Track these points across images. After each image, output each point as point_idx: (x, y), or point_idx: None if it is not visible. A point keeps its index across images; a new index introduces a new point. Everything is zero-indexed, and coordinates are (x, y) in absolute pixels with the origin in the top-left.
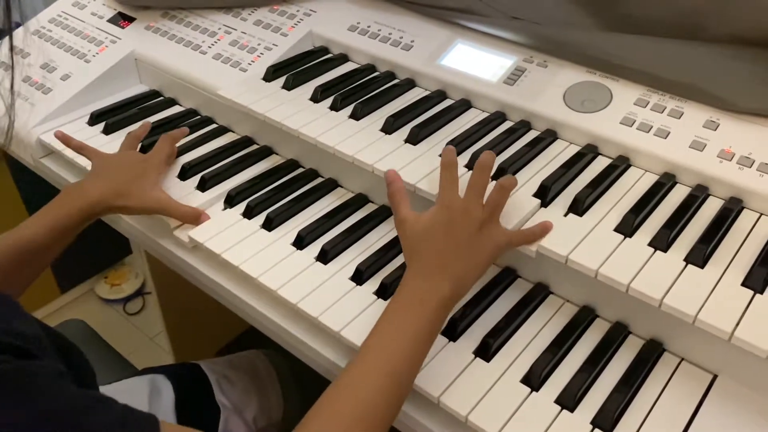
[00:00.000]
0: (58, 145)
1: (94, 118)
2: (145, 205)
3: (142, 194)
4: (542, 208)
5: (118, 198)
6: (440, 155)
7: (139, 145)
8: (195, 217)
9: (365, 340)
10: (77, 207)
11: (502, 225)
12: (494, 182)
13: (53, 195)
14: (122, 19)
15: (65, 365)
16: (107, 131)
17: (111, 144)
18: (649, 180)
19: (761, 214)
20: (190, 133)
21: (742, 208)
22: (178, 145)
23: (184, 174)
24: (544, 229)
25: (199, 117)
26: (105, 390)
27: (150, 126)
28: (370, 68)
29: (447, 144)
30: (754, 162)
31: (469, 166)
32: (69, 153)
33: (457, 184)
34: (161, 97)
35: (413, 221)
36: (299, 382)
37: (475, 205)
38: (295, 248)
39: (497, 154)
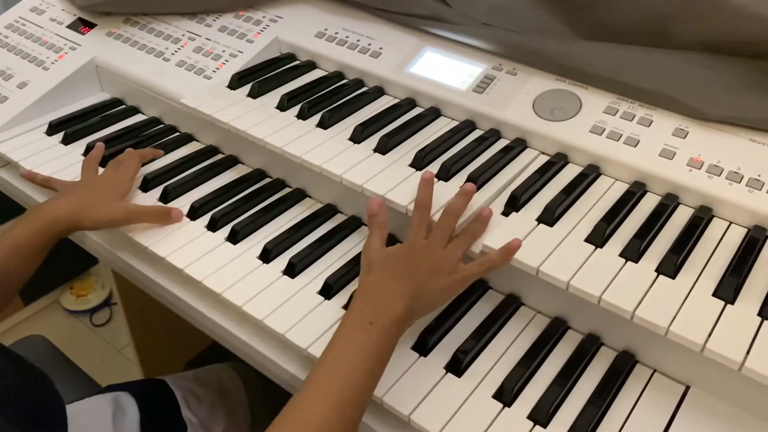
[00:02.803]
0: (15, 156)
1: (53, 128)
2: (112, 217)
3: (108, 207)
4: (512, 219)
5: (81, 213)
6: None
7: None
8: (167, 215)
9: (314, 366)
10: (37, 227)
11: (461, 264)
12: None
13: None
14: (82, 25)
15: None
16: (66, 141)
17: (70, 155)
18: (619, 189)
19: (731, 223)
20: (153, 142)
21: (712, 216)
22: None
23: (146, 185)
24: (506, 252)
25: (162, 126)
26: (68, 409)
27: (104, 147)
28: (338, 76)
29: (417, 152)
30: (723, 170)
31: (439, 176)
32: (26, 164)
33: (427, 225)
34: (123, 106)
35: (378, 248)
36: (267, 395)
37: (437, 247)
38: (261, 262)
39: (467, 163)
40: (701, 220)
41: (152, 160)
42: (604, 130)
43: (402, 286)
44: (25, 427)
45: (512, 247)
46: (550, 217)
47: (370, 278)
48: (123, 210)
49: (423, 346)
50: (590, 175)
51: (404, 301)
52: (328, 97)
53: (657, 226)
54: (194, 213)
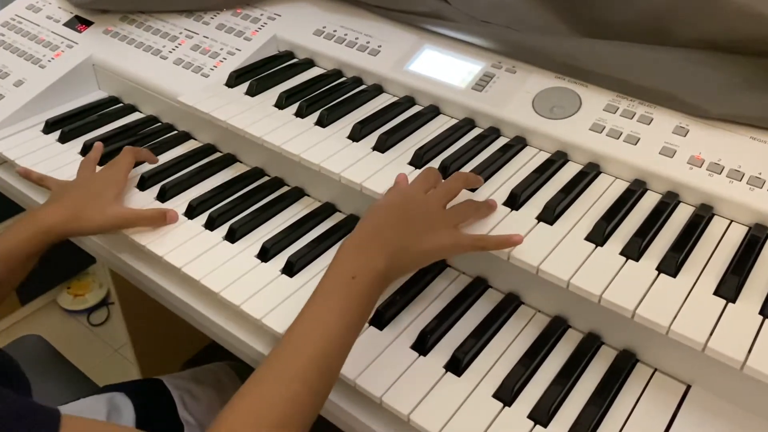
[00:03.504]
0: (11, 154)
1: (50, 126)
2: (105, 223)
3: (101, 213)
4: (512, 217)
5: (74, 221)
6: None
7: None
8: (162, 218)
9: (296, 318)
10: (29, 235)
11: (458, 229)
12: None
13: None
14: (79, 23)
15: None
16: (63, 140)
17: (67, 153)
18: (619, 187)
19: (731, 221)
20: (150, 141)
21: (713, 214)
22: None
23: (143, 183)
24: (504, 240)
25: (159, 124)
26: (62, 409)
27: (102, 147)
28: (337, 74)
29: (416, 150)
30: (723, 168)
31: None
32: (22, 163)
33: (429, 186)
34: (120, 104)
35: (378, 201)
36: None
37: (436, 202)
38: (259, 260)
39: (466, 162)
40: (702, 218)
41: (146, 162)
42: (604, 128)
43: (388, 241)
44: None
45: (512, 240)
46: (550, 215)
47: (357, 231)
48: (117, 216)
49: (422, 346)
50: (590, 173)
51: (388, 258)
52: (326, 95)
53: (657, 225)
54: (192, 211)
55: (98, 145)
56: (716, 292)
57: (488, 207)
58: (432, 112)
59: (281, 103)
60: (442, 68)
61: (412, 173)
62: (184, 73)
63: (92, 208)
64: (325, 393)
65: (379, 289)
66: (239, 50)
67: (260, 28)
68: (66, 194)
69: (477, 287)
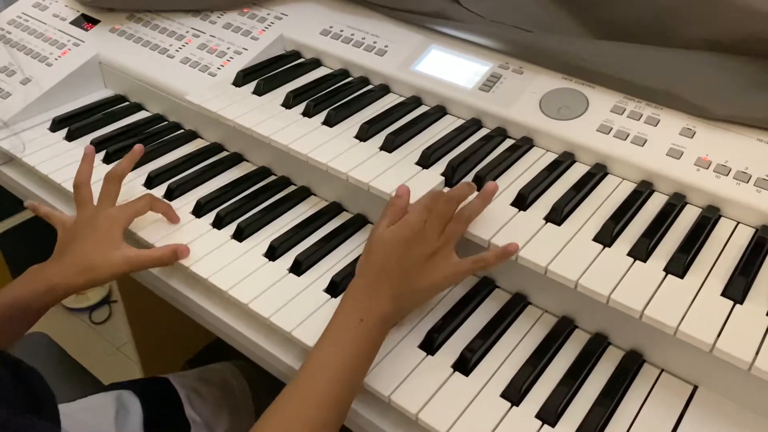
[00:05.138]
0: (18, 152)
1: (57, 124)
2: (114, 271)
3: (108, 261)
4: (520, 218)
5: (82, 275)
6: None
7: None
8: (173, 255)
9: (306, 358)
10: (36, 291)
11: (455, 255)
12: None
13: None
14: (86, 21)
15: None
16: (70, 138)
17: (74, 151)
18: (626, 188)
19: (738, 223)
20: (157, 139)
21: (720, 216)
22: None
23: (150, 183)
24: (502, 253)
25: (166, 123)
26: (70, 407)
27: (90, 190)
28: (344, 73)
29: (423, 150)
30: (730, 170)
31: (445, 174)
32: (29, 160)
33: (439, 224)
34: (127, 102)
35: (381, 230)
36: (272, 394)
37: (432, 233)
38: (267, 259)
39: (473, 162)
40: (709, 219)
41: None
42: (611, 129)
43: (394, 284)
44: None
45: (509, 251)
46: (557, 216)
47: (364, 273)
48: (124, 263)
49: (430, 345)
50: (597, 174)
51: (393, 300)
52: (333, 95)
53: (665, 226)
54: (199, 210)
55: (87, 186)
56: (724, 294)
57: (483, 199)
58: (439, 112)
59: (288, 103)
60: (449, 69)
61: (419, 173)
62: (191, 72)
63: (100, 256)
64: (339, 422)
65: (384, 331)
66: (246, 49)
67: (267, 28)
68: (72, 248)
69: (484, 287)
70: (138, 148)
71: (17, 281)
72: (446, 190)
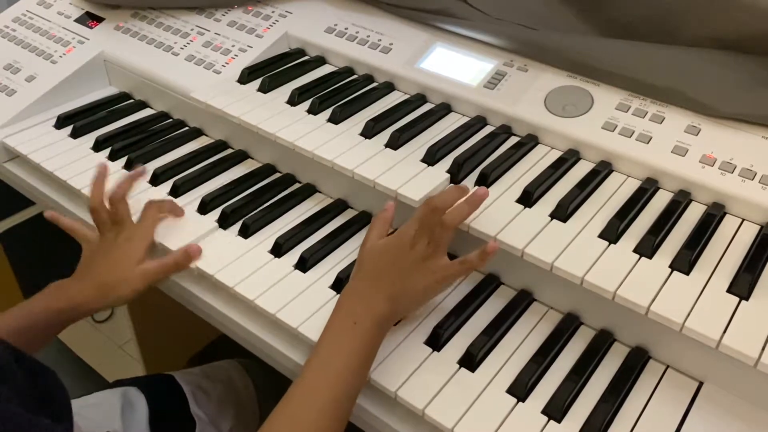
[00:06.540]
0: (23, 149)
1: (62, 121)
2: (134, 287)
3: (127, 279)
4: (525, 215)
5: (103, 296)
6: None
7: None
8: (187, 258)
9: (303, 367)
10: (59, 310)
11: (445, 258)
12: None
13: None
14: (90, 19)
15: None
16: (75, 135)
17: (79, 148)
18: (631, 185)
19: (743, 220)
20: (162, 137)
21: (725, 213)
22: (148, 149)
23: (156, 180)
24: (482, 254)
25: (171, 120)
26: (76, 404)
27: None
28: (348, 71)
29: (429, 148)
30: (735, 167)
31: (450, 171)
32: (34, 157)
33: (426, 234)
34: (131, 100)
35: (371, 243)
36: (276, 392)
37: (421, 241)
38: (272, 256)
39: (478, 159)
40: (714, 216)
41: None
42: (617, 126)
43: (386, 286)
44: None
45: (488, 251)
46: (563, 213)
47: (356, 278)
48: (142, 278)
49: (436, 341)
50: (602, 171)
51: (387, 302)
52: (338, 93)
53: (670, 223)
54: (204, 207)
55: (99, 203)
56: (729, 290)
57: (469, 204)
58: (443, 109)
59: (294, 100)
60: (454, 66)
61: (425, 170)
62: (196, 69)
63: (120, 282)
64: (342, 424)
65: (382, 333)
66: (251, 47)
67: (272, 26)
68: (94, 267)
69: (489, 284)
70: (139, 171)
71: (38, 297)
72: (451, 186)
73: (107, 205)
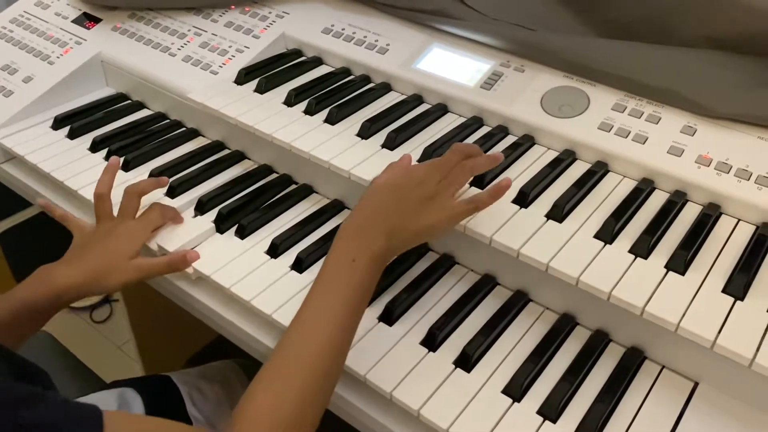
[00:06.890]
0: (20, 150)
1: (59, 122)
2: (125, 278)
3: (119, 269)
4: (521, 215)
5: (92, 281)
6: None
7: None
8: (183, 261)
9: (302, 304)
10: (44, 294)
11: (453, 199)
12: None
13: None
14: (87, 20)
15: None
16: (72, 136)
17: (76, 149)
18: (627, 186)
19: (739, 220)
20: (159, 137)
21: (720, 213)
22: (145, 150)
23: None
24: (496, 191)
25: (168, 121)
26: None
27: (110, 203)
28: (345, 71)
29: (425, 148)
30: (731, 168)
31: None
32: (31, 158)
33: (440, 172)
34: (129, 101)
35: (378, 177)
36: None
37: (432, 178)
38: (269, 256)
39: None
40: (709, 217)
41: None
42: (613, 127)
43: (384, 222)
44: None
45: (502, 187)
46: (559, 213)
47: (356, 212)
48: (135, 271)
49: (432, 342)
50: (598, 171)
51: (384, 237)
52: (335, 93)
53: (666, 223)
54: (201, 208)
55: (105, 192)
56: (725, 290)
57: (489, 159)
58: (440, 110)
59: (290, 101)
60: (451, 67)
61: None
62: (193, 70)
63: (113, 264)
64: (335, 379)
65: (379, 270)
66: (248, 48)
67: (268, 26)
68: (86, 253)
69: (485, 284)
70: (164, 180)
71: (26, 282)
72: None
73: (121, 194)
